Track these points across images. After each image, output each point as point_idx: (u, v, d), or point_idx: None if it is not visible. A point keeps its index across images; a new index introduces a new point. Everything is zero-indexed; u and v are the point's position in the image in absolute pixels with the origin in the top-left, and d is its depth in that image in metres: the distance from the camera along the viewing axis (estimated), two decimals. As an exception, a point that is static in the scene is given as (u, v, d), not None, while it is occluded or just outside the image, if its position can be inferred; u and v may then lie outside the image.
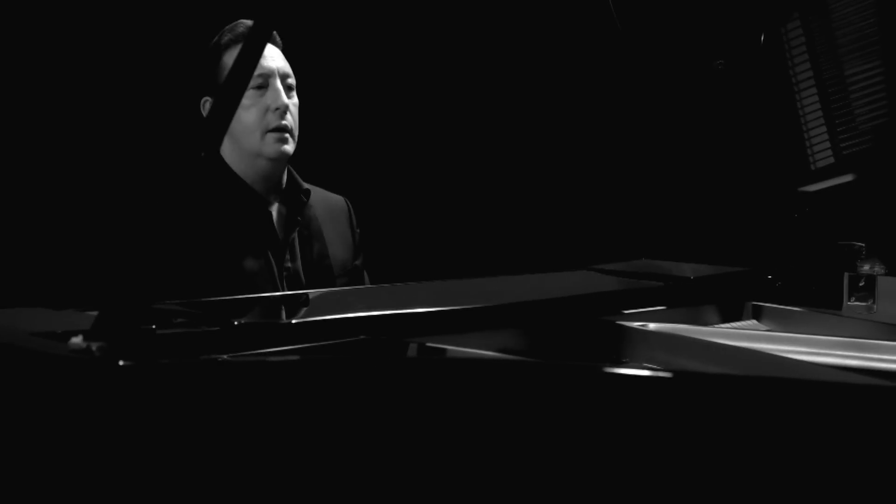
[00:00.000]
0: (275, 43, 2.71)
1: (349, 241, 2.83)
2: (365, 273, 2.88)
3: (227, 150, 2.66)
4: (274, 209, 2.69)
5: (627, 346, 2.06)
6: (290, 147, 2.64)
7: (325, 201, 2.82)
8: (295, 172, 2.74)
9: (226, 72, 2.61)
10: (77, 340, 1.40)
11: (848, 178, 2.41)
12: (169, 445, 1.36)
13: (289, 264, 2.66)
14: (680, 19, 2.49)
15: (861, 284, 2.34)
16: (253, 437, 1.39)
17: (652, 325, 2.11)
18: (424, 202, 3.80)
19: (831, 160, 2.44)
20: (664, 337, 2.03)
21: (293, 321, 1.79)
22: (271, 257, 2.62)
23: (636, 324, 2.09)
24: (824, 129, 2.43)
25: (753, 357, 1.86)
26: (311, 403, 1.42)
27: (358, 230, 2.88)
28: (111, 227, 2.95)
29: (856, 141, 2.41)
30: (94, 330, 1.44)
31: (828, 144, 2.43)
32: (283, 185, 2.71)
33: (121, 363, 1.35)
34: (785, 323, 2.34)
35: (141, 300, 1.46)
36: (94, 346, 1.40)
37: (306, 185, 2.74)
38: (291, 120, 2.64)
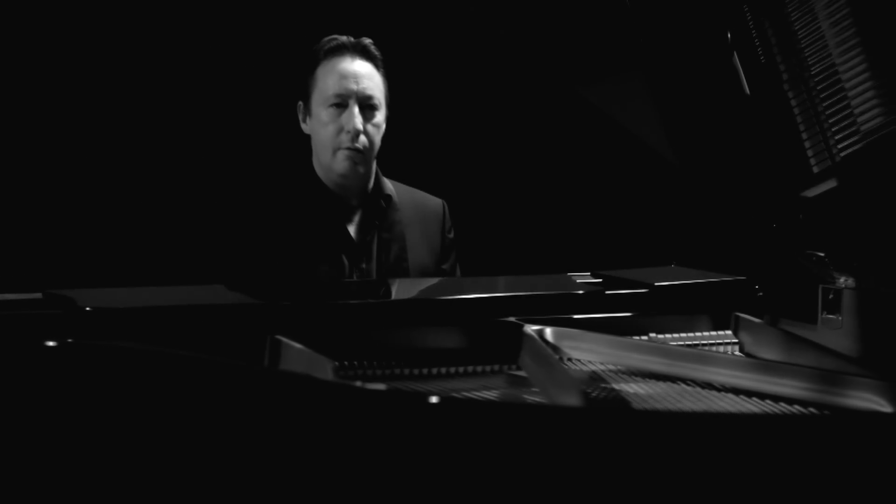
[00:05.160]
0: (369, 56, 2.78)
1: (436, 246, 2.89)
2: (458, 275, 2.95)
3: (314, 157, 2.84)
4: (357, 213, 2.82)
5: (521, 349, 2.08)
6: (360, 168, 2.75)
7: (418, 205, 2.90)
8: (382, 177, 2.85)
9: (317, 82, 2.77)
10: None
11: (832, 183, 2.23)
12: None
13: (364, 265, 2.77)
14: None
15: (830, 297, 2.17)
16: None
17: (548, 330, 2.10)
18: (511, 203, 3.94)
19: (828, 163, 2.27)
20: (535, 344, 2.02)
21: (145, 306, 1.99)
22: (345, 259, 2.76)
23: (533, 328, 2.09)
24: (817, 129, 2.26)
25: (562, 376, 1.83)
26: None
27: (451, 235, 2.93)
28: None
29: (851, 141, 2.23)
30: None
31: (823, 146, 2.26)
32: (369, 189, 2.84)
33: None
34: (754, 337, 2.21)
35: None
36: None
37: (389, 191, 2.83)
38: (365, 141, 2.73)
